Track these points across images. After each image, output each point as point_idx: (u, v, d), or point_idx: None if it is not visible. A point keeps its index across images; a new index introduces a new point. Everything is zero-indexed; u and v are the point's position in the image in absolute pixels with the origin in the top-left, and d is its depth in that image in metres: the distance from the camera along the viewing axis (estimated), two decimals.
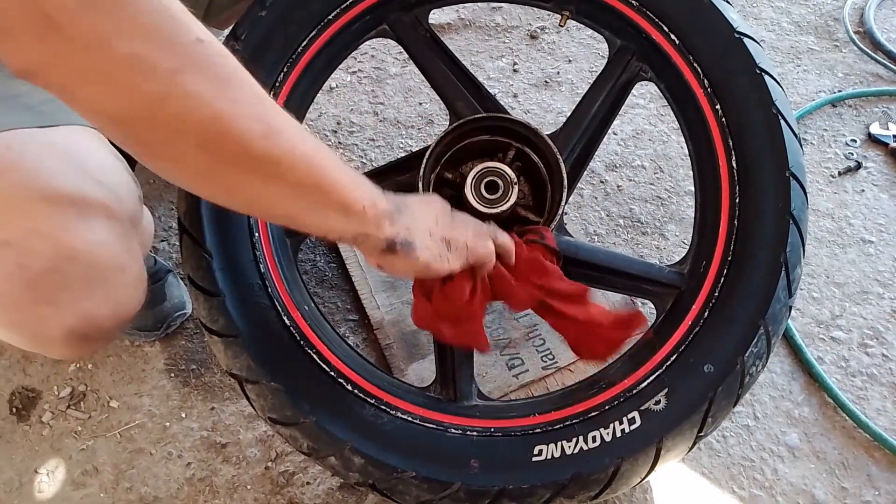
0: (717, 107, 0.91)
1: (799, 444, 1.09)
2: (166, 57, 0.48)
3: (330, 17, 0.97)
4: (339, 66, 1.04)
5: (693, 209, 0.96)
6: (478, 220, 0.81)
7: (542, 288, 0.82)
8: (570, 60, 1.66)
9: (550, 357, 1.13)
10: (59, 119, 0.74)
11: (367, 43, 1.04)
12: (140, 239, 0.75)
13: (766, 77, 0.90)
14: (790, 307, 0.86)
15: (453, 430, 0.85)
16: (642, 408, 0.83)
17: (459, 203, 0.96)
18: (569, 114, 1.01)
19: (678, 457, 0.83)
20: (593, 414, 0.84)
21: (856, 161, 1.47)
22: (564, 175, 0.91)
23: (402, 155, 1.20)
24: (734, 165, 0.90)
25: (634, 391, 0.85)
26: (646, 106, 1.57)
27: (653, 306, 0.97)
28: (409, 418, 0.86)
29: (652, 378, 0.85)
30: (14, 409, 1.11)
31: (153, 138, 0.52)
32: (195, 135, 0.52)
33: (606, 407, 0.84)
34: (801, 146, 0.90)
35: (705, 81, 0.92)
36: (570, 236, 0.96)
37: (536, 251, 0.85)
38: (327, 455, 0.83)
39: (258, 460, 1.06)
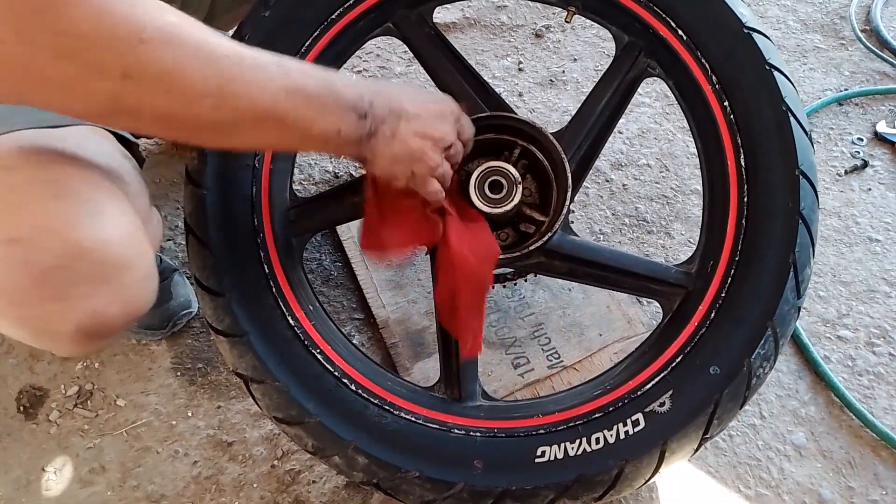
0: (726, 103, 0.90)
1: (805, 443, 1.09)
2: (107, 69, 0.53)
3: (334, 15, 0.97)
4: (344, 65, 1.04)
5: (699, 208, 0.95)
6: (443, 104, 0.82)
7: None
8: (575, 59, 1.66)
9: (556, 356, 1.13)
10: (67, 119, 0.74)
11: (371, 42, 1.04)
12: (149, 238, 0.75)
13: (776, 73, 0.89)
14: (799, 308, 0.85)
15: (457, 431, 0.85)
16: (647, 409, 0.83)
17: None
18: (574, 112, 1.00)
19: (683, 459, 0.83)
20: (597, 415, 0.84)
21: (862, 159, 1.46)
22: (569, 174, 0.91)
23: None
24: (743, 164, 0.88)
25: (639, 392, 0.84)
26: (651, 104, 1.56)
27: (659, 306, 0.96)
28: (413, 418, 0.86)
29: (657, 379, 0.84)
30: (22, 408, 1.12)
31: (117, 124, 0.62)
32: (152, 122, 0.60)
33: (610, 408, 0.84)
34: (812, 144, 0.89)
35: (713, 77, 0.91)
36: (576, 235, 0.96)
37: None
38: (332, 454, 0.83)
39: (264, 458, 1.06)
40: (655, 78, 0.98)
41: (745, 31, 0.90)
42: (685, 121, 0.97)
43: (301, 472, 1.05)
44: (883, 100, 1.58)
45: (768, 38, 0.91)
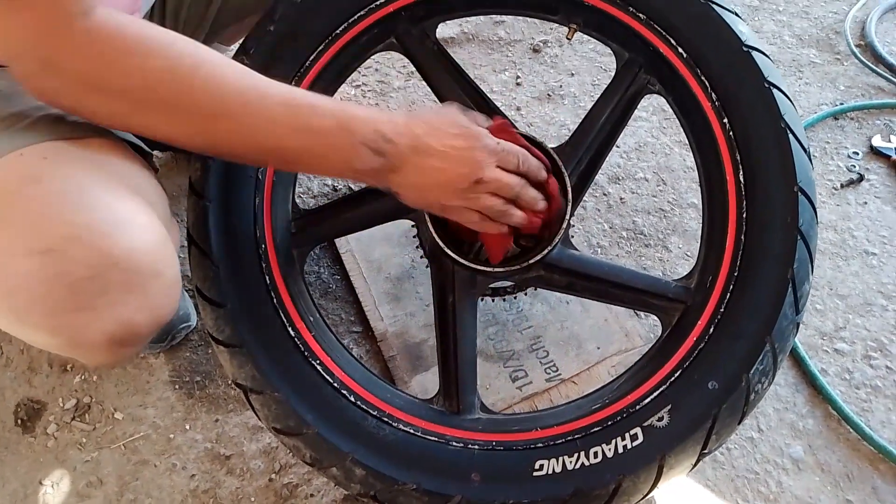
0: (725, 120, 0.91)
1: (803, 456, 1.09)
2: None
3: (338, 31, 0.98)
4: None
5: (696, 221, 0.96)
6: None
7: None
8: (572, 74, 1.67)
9: (554, 369, 1.13)
10: (87, 129, 0.76)
11: (371, 57, 1.05)
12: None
13: (775, 90, 0.90)
14: (798, 324, 0.85)
15: (455, 443, 0.85)
16: (645, 424, 0.83)
17: None
18: (572, 126, 1.01)
19: (681, 474, 0.83)
20: (595, 429, 0.84)
21: (858, 173, 1.47)
22: (570, 188, 0.92)
23: None
24: (742, 179, 0.89)
25: (637, 407, 0.84)
26: (648, 118, 1.57)
27: (657, 320, 0.97)
28: (412, 430, 0.86)
29: (655, 394, 0.84)
30: (19, 421, 1.11)
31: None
32: (163, 140, 0.69)
33: (609, 422, 0.84)
34: (811, 160, 0.90)
35: (713, 94, 0.92)
36: (576, 250, 0.97)
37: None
38: (329, 466, 0.83)
39: (262, 472, 1.06)
40: (653, 94, 0.99)
41: (745, 49, 0.91)
42: (682, 135, 0.98)
43: (299, 486, 1.05)
44: (878, 114, 1.60)
45: (767, 56, 0.93)
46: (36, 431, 1.10)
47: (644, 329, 1.20)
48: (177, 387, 1.15)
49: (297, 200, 1.36)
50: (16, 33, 0.62)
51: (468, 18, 1.77)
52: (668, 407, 0.83)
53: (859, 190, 1.46)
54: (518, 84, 1.64)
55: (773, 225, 0.86)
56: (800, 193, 0.86)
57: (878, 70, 1.68)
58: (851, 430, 1.11)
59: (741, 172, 0.89)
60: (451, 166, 0.76)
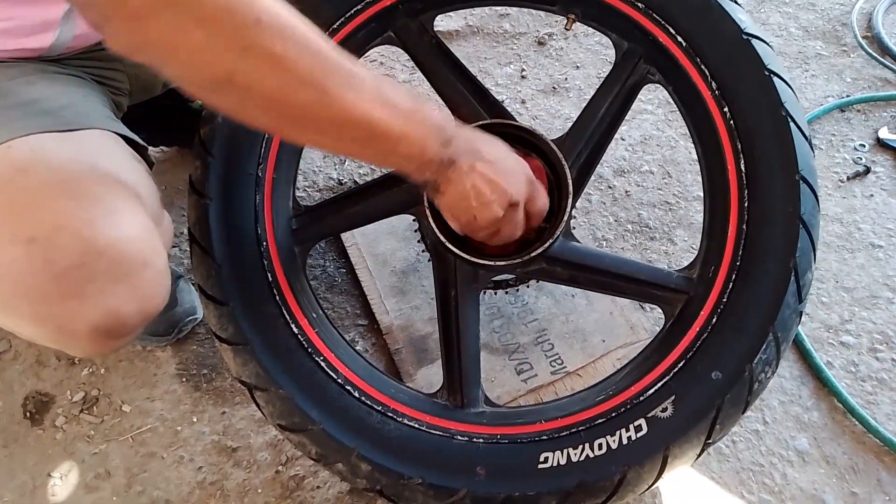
0: (725, 109, 0.90)
1: (808, 448, 1.09)
2: (230, 41, 0.57)
3: (335, 25, 0.98)
4: None
5: (701, 214, 0.95)
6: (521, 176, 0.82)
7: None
8: (577, 66, 1.67)
9: (559, 362, 1.14)
10: (79, 123, 0.76)
11: (375, 50, 1.05)
12: (161, 239, 0.76)
13: (775, 78, 0.89)
14: (800, 313, 0.85)
15: (459, 437, 0.86)
16: (649, 415, 0.83)
17: None
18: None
19: (685, 464, 0.83)
20: (600, 421, 0.84)
21: (864, 166, 1.46)
22: (570, 180, 0.91)
23: None
24: (743, 169, 0.89)
25: (641, 398, 0.84)
26: (654, 111, 1.57)
27: (661, 312, 0.97)
28: (416, 425, 0.86)
29: (659, 385, 0.85)
30: (28, 414, 1.12)
31: (226, 104, 0.63)
32: (258, 103, 0.62)
33: (613, 414, 0.84)
34: (812, 149, 0.89)
35: (713, 83, 0.91)
36: (578, 242, 0.97)
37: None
38: (335, 461, 0.84)
39: (269, 464, 1.07)
40: (657, 85, 0.99)
41: (744, 37, 0.91)
42: (687, 127, 0.97)
43: (305, 478, 1.05)
44: (885, 106, 1.59)
45: (767, 44, 0.92)
46: (44, 424, 1.12)
47: (649, 322, 1.20)
48: (184, 380, 1.16)
49: (303, 195, 1.37)
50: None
51: (473, 11, 1.77)
52: (672, 398, 0.83)
53: (865, 182, 1.45)
54: (523, 77, 1.64)
55: (774, 214, 0.86)
56: (801, 182, 0.85)
57: (885, 62, 1.67)
58: (857, 422, 1.11)
59: (742, 161, 0.89)
60: (502, 181, 0.76)
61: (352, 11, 0.98)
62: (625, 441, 0.82)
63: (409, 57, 1.05)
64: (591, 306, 1.20)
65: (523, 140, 0.94)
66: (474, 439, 0.86)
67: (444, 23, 1.74)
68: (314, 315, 0.93)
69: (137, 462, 1.07)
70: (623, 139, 1.51)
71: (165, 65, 0.59)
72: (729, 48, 0.91)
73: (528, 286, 1.16)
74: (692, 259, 0.94)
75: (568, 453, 0.83)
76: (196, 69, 0.59)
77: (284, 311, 0.90)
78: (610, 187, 1.43)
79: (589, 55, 1.70)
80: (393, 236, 1.28)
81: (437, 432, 0.86)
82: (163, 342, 1.18)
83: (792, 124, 0.87)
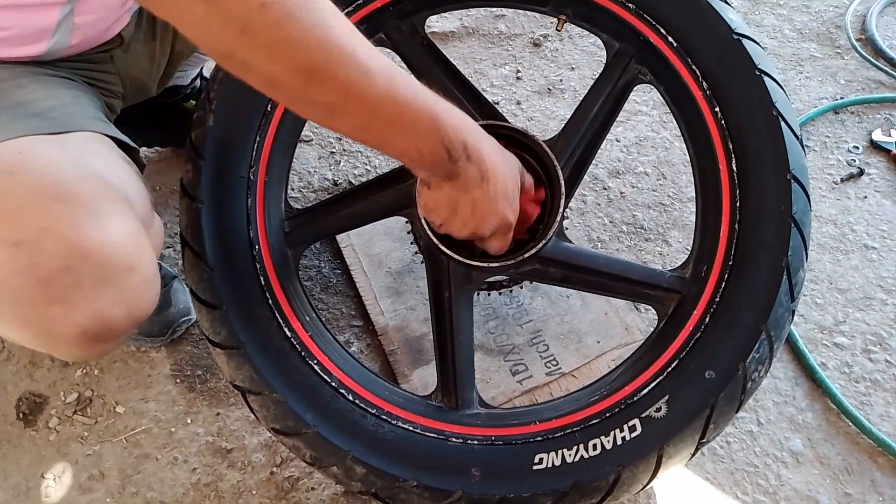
0: (717, 109, 0.91)
1: (802, 449, 1.09)
2: (228, 20, 0.58)
3: None
4: None
5: (695, 213, 0.96)
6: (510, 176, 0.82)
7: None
8: (573, 68, 1.67)
9: (554, 363, 1.14)
10: (69, 126, 0.75)
11: None
12: (151, 242, 0.76)
13: (766, 78, 0.89)
14: (793, 312, 0.85)
15: (454, 439, 0.86)
16: (643, 415, 0.83)
17: None
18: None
19: (680, 464, 0.83)
20: (594, 421, 0.84)
21: (858, 168, 1.47)
22: (563, 181, 0.92)
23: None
24: (734, 168, 0.89)
25: (635, 398, 0.85)
26: (648, 113, 1.57)
27: (654, 312, 0.97)
28: (410, 428, 0.86)
29: (652, 385, 0.85)
30: (21, 415, 1.12)
31: (232, 71, 0.63)
32: (257, 80, 0.63)
33: (607, 414, 0.84)
34: (804, 148, 0.89)
35: (704, 83, 0.92)
36: (570, 242, 0.97)
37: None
38: (330, 465, 0.84)
39: (263, 465, 1.07)
40: (650, 86, 0.99)
41: (735, 37, 0.91)
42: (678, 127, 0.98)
43: (300, 479, 1.05)
44: (878, 108, 1.59)
45: (758, 44, 0.92)
46: (38, 425, 1.11)
47: (644, 323, 1.20)
48: (178, 381, 1.15)
49: (298, 195, 1.37)
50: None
51: (468, 12, 1.78)
52: (666, 397, 0.83)
53: (859, 184, 1.45)
54: (518, 78, 1.65)
55: (766, 213, 0.86)
56: (793, 181, 0.86)
57: (879, 64, 1.68)
58: (851, 423, 1.11)
59: (734, 161, 0.89)
60: (486, 216, 0.79)
61: (342, 13, 0.98)
62: (619, 441, 0.82)
63: (400, 59, 1.05)
64: (586, 307, 1.20)
65: (515, 141, 0.94)
66: (469, 441, 0.86)
67: (440, 24, 1.74)
68: (307, 318, 0.93)
69: (131, 463, 1.07)
70: (618, 140, 1.51)
71: (179, 28, 0.61)
72: (720, 48, 0.92)
73: (521, 287, 1.16)
74: (686, 258, 0.95)
75: (563, 454, 0.83)
76: (200, 40, 0.61)
77: (277, 315, 0.90)
78: (605, 188, 1.43)
79: (584, 56, 1.70)
80: (388, 237, 1.28)
81: (432, 434, 0.86)
82: (157, 343, 1.17)
83: (783, 124, 0.88)
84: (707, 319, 0.86)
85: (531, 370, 1.13)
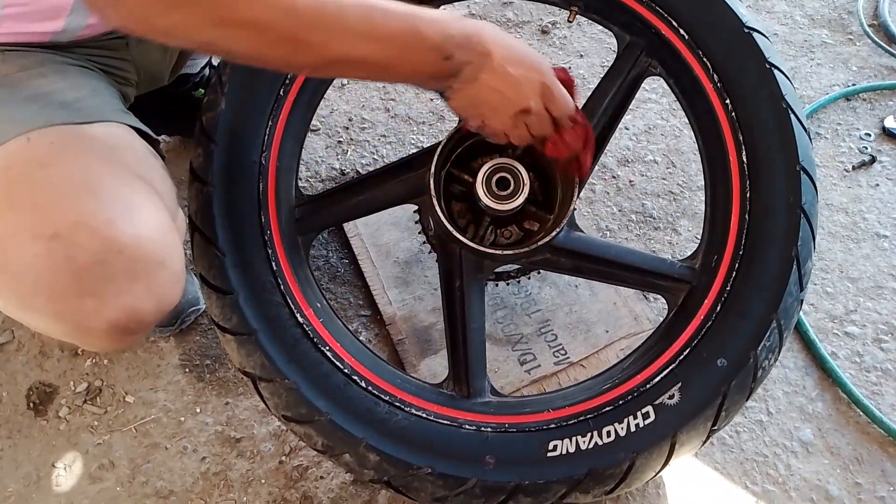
0: (727, 101, 0.91)
1: (813, 439, 1.09)
2: (204, 18, 0.60)
3: None
4: None
5: (705, 204, 0.96)
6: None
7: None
8: (581, 55, 1.66)
9: (562, 353, 1.13)
10: (94, 116, 0.75)
11: None
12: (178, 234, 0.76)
13: (776, 71, 0.90)
14: (802, 301, 0.86)
15: (468, 427, 0.86)
16: (656, 402, 0.83)
17: (470, 198, 0.96)
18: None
19: (692, 451, 0.84)
20: (607, 409, 0.85)
21: (870, 155, 1.46)
22: None
23: (413, 151, 1.21)
24: (744, 160, 0.90)
25: (648, 386, 0.85)
26: (658, 101, 1.56)
27: (664, 302, 0.97)
28: (424, 415, 0.86)
29: (665, 373, 0.85)
30: (32, 404, 1.12)
31: (215, 55, 0.72)
32: (240, 58, 0.67)
33: (620, 402, 0.84)
34: (811, 140, 0.90)
35: (715, 76, 0.92)
36: (581, 232, 0.96)
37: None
38: (342, 453, 0.83)
39: (272, 455, 1.07)
40: (656, 76, 0.99)
41: (746, 30, 0.92)
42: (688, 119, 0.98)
43: (309, 468, 1.05)
44: (891, 95, 1.58)
45: (767, 38, 0.94)
46: (48, 415, 1.12)
47: (653, 313, 1.19)
48: (187, 370, 1.16)
49: (306, 185, 1.37)
50: None
51: (476, 0, 1.76)
52: (679, 385, 0.84)
53: (871, 172, 1.44)
54: None
55: (776, 204, 0.87)
56: (802, 172, 0.87)
57: (892, 50, 1.66)
58: (861, 413, 1.11)
59: (744, 153, 0.90)
60: (507, 90, 0.76)
61: None
62: (633, 428, 0.83)
63: None
64: (594, 297, 1.19)
65: None
66: (482, 428, 0.86)
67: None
68: (319, 305, 0.93)
69: (141, 452, 1.07)
70: (627, 129, 1.50)
71: (151, 37, 0.63)
72: (731, 41, 0.92)
73: (529, 277, 1.15)
74: (695, 248, 0.95)
75: (577, 441, 0.83)
76: (177, 41, 0.64)
77: (289, 301, 0.89)
78: (614, 177, 1.42)
79: (593, 44, 1.69)
80: (396, 227, 1.28)
81: (446, 422, 0.86)
82: (166, 333, 1.17)
83: (792, 116, 0.89)
84: (718, 308, 0.87)
85: (539, 360, 1.13)
